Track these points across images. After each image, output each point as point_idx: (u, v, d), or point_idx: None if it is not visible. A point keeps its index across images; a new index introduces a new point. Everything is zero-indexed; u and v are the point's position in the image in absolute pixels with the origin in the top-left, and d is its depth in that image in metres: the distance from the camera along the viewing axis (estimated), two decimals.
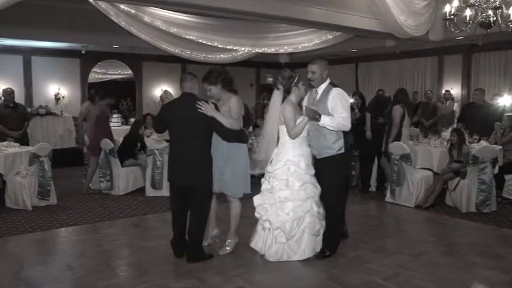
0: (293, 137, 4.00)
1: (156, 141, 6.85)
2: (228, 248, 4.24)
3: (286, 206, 3.98)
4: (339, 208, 4.19)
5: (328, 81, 4.16)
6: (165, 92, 4.70)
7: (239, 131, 3.95)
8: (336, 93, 4.04)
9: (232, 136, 3.92)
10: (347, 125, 3.98)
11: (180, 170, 3.95)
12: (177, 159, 3.97)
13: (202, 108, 3.79)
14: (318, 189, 4.08)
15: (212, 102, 3.95)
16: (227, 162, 3.99)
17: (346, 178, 4.44)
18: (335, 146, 4.04)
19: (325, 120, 3.90)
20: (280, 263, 4.04)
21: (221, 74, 4.05)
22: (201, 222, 3.99)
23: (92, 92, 7.85)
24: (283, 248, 4.03)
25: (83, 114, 7.32)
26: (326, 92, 4.09)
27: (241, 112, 4.03)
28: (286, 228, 3.96)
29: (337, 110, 3.96)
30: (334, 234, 4.21)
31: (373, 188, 7.02)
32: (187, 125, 3.88)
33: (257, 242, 4.18)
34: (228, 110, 3.99)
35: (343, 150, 4.06)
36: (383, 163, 6.72)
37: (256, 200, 4.14)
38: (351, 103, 7.44)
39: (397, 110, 6.43)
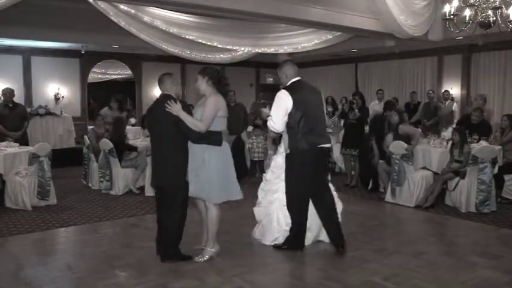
0: None
1: None
2: (206, 256, 4.00)
3: (259, 194, 4.63)
4: (289, 206, 4.25)
5: (288, 83, 4.23)
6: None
7: (206, 134, 3.79)
8: (276, 95, 4.19)
9: (195, 137, 3.80)
10: (271, 126, 4.14)
11: (154, 170, 4.05)
12: (152, 159, 4.10)
13: (169, 108, 3.76)
14: None
15: (181, 101, 3.88)
16: (201, 165, 3.84)
17: (299, 182, 4.17)
18: (285, 145, 4.25)
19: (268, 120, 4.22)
20: (279, 263, 4.04)
21: (215, 72, 3.99)
22: (172, 224, 3.93)
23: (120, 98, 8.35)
24: (258, 229, 4.63)
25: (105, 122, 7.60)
26: None
27: (215, 114, 3.83)
28: (255, 212, 4.60)
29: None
30: (290, 229, 4.30)
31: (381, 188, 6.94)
32: (160, 125, 3.92)
33: None
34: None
35: (288, 151, 4.19)
36: (380, 167, 6.68)
37: None
38: (351, 103, 7.46)
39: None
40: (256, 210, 4.61)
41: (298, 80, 4.25)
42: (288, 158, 4.22)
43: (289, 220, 4.32)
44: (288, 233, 4.35)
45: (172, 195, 3.92)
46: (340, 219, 4.51)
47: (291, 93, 4.09)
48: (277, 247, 4.36)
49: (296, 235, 4.29)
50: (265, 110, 4.37)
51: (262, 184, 4.66)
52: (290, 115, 4.07)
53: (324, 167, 4.42)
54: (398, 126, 6.41)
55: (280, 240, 4.39)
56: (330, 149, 4.52)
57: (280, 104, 4.09)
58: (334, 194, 4.56)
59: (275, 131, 4.19)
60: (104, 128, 7.56)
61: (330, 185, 4.52)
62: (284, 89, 4.16)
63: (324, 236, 4.48)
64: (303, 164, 4.15)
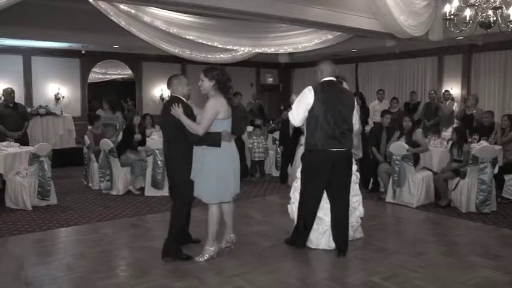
0: None
1: (156, 141, 6.84)
2: (206, 256, 4.01)
3: (291, 191, 4.62)
4: (300, 201, 4.27)
5: (320, 81, 4.19)
6: None
7: (205, 136, 3.81)
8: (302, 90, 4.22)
9: (195, 140, 3.85)
10: (291, 118, 4.18)
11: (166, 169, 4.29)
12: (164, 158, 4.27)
13: (172, 111, 3.82)
14: None
15: (183, 104, 3.89)
16: (201, 165, 3.87)
17: (310, 181, 4.18)
18: (303, 143, 4.26)
19: None
20: (279, 263, 4.04)
21: (222, 76, 3.97)
22: (172, 220, 4.03)
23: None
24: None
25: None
26: None
27: (213, 117, 3.82)
28: (289, 209, 4.59)
29: None
30: (296, 225, 4.34)
31: (381, 188, 6.92)
32: (166, 126, 4.05)
33: None
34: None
35: (304, 149, 4.21)
36: (381, 168, 6.65)
37: None
38: None
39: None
40: (289, 208, 4.62)
41: (330, 80, 4.17)
42: (303, 155, 4.23)
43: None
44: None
45: (176, 194, 4.03)
46: (359, 223, 4.63)
47: (315, 91, 4.04)
48: (286, 242, 4.47)
49: (299, 232, 4.30)
50: (293, 97, 4.40)
51: (294, 182, 4.65)
52: (310, 112, 4.05)
53: (343, 170, 4.15)
54: (414, 131, 6.37)
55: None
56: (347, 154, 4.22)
57: (301, 100, 4.09)
58: (358, 198, 4.58)
59: (293, 124, 4.25)
60: (100, 128, 7.60)
61: (357, 189, 4.55)
62: (312, 85, 4.13)
63: (323, 245, 4.38)
64: (316, 164, 4.10)
